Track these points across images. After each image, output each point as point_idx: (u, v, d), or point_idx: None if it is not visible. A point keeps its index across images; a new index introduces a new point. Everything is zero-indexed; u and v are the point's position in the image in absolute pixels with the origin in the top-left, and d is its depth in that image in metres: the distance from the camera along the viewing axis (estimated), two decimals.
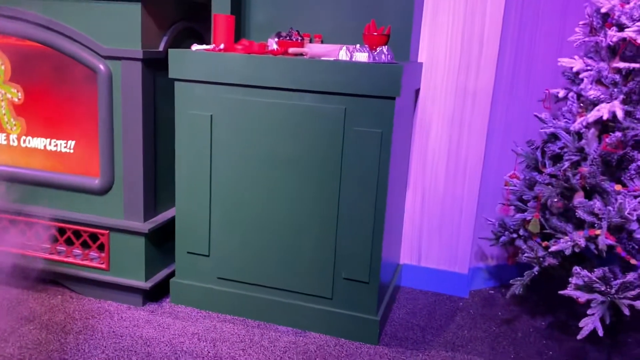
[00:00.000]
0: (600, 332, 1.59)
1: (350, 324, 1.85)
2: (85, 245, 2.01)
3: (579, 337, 1.62)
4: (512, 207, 1.92)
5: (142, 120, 1.86)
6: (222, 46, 1.88)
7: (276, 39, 1.94)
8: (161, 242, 2.04)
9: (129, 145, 1.89)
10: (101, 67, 1.84)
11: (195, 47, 1.89)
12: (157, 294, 2.05)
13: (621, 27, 1.64)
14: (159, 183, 2.02)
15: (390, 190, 1.78)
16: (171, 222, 2.04)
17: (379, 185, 1.73)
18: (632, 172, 1.61)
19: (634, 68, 1.57)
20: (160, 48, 1.91)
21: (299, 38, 1.95)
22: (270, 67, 1.75)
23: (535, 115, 1.85)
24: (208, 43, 2.18)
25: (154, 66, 1.89)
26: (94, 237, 1.99)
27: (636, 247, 1.60)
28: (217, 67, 1.80)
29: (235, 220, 1.90)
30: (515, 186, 1.91)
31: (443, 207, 2.20)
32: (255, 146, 1.82)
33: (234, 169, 1.86)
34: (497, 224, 1.98)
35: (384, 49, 1.75)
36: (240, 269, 1.93)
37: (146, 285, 1.96)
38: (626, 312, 1.56)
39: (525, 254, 1.79)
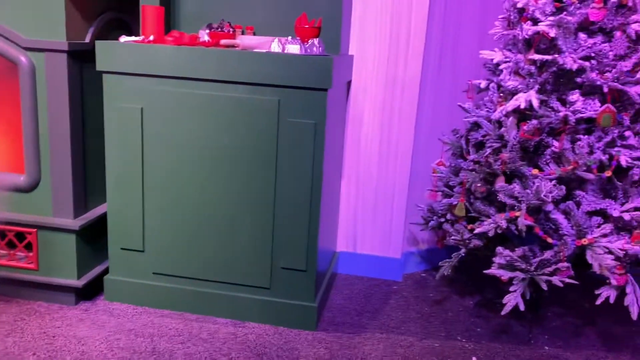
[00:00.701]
0: (522, 307, 1.70)
1: (288, 312, 1.88)
2: (11, 245, 1.93)
3: (503, 312, 1.73)
4: (440, 193, 2.01)
5: (69, 114, 1.81)
6: (151, 38, 1.85)
7: (207, 31, 1.93)
8: (93, 238, 1.99)
9: (56, 140, 1.83)
10: (22, 59, 1.77)
11: (123, 38, 1.85)
12: (90, 292, 2.00)
13: (535, 21, 1.75)
14: (89, 178, 1.96)
15: (325, 179, 1.82)
16: (103, 218, 1.99)
17: (314, 175, 1.77)
18: (548, 157, 1.73)
19: (547, 60, 1.68)
20: (87, 39, 1.85)
21: (231, 30, 1.95)
22: (201, 58, 1.74)
23: (459, 105, 1.94)
24: (137, 35, 2.13)
25: (81, 58, 1.83)
26: (21, 236, 1.91)
27: (552, 226, 1.72)
28: (147, 59, 1.77)
29: (169, 214, 1.88)
30: (442, 173, 2.00)
31: (376, 195, 2.27)
32: (188, 139, 1.81)
33: (167, 162, 1.84)
34: (426, 210, 2.07)
35: (315, 41, 1.78)
36: (177, 263, 1.92)
37: (78, 283, 1.90)
38: (544, 287, 1.68)
39: (453, 237, 1.89)
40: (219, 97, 1.77)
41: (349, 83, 2.19)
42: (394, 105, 2.17)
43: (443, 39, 2.21)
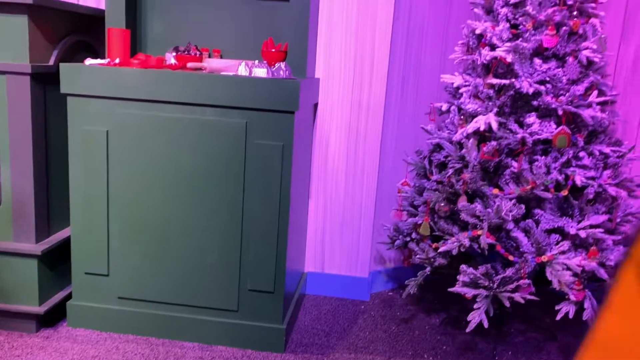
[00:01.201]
0: (486, 324, 1.74)
1: (256, 334, 1.87)
2: None
3: (467, 330, 1.77)
4: (405, 212, 2.06)
5: (32, 137, 1.78)
6: (117, 60, 1.85)
7: (174, 54, 1.94)
8: (56, 263, 1.95)
9: (18, 163, 1.79)
10: None
11: (89, 61, 1.85)
12: (53, 318, 1.95)
13: (493, 47, 1.83)
14: (52, 202, 1.93)
15: (292, 200, 1.84)
16: (67, 242, 1.95)
17: (282, 197, 1.79)
18: (507, 177, 1.79)
19: (504, 84, 1.75)
20: (51, 62, 1.84)
21: (198, 52, 1.96)
22: (167, 81, 1.75)
23: (422, 127, 2.00)
24: (103, 57, 2.12)
25: (44, 81, 1.82)
26: None
27: (513, 244, 1.78)
28: (113, 82, 1.76)
29: (135, 237, 1.86)
30: (407, 193, 2.04)
31: (344, 215, 2.30)
32: (154, 162, 1.81)
33: (133, 185, 1.83)
34: (392, 229, 2.10)
35: (282, 65, 1.82)
36: (143, 287, 1.90)
37: (40, 310, 1.86)
38: (507, 304, 1.73)
39: (418, 256, 1.93)
40: (185, 119, 1.77)
41: (316, 105, 2.23)
42: (360, 127, 2.22)
43: (406, 63, 2.28)
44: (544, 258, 1.69)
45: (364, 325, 2.12)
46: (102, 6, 2.21)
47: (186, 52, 1.95)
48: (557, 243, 1.73)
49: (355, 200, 2.28)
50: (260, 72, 1.77)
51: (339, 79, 2.19)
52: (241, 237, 1.82)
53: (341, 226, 2.31)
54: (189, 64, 1.89)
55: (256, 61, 1.80)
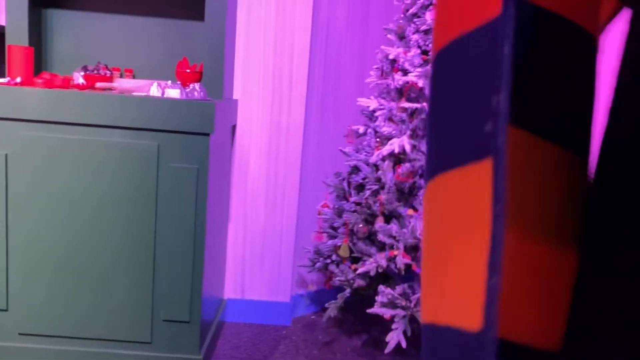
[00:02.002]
0: (404, 344, 1.76)
1: None
2: None
3: (386, 351, 1.77)
4: (325, 234, 2.05)
5: None
6: (18, 79, 1.74)
7: (82, 73, 1.86)
8: None
9: None
10: None
11: None
12: None
13: (405, 72, 1.88)
14: None
15: (209, 225, 1.78)
16: None
17: (197, 221, 1.73)
18: (421, 197, 1.84)
19: (417, 108, 1.80)
20: None
21: (108, 72, 1.89)
22: (74, 102, 1.66)
23: (340, 150, 2.02)
24: (3, 76, 1.99)
25: None
26: None
27: None
28: (13, 102, 1.65)
29: (38, 269, 1.73)
30: (327, 214, 2.04)
31: (264, 239, 2.26)
32: (59, 188, 1.70)
33: (35, 212, 1.71)
34: (313, 251, 2.09)
35: (196, 86, 1.78)
36: (47, 322, 1.76)
37: None
38: None
39: (338, 278, 1.92)
40: (93, 142, 1.69)
41: (234, 127, 2.19)
42: (280, 148, 2.21)
43: (325, 85, 2.31)
44: None
45: (285, 351, 2.07)
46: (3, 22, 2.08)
47: (95, 72, 1.86)
48: None
49: (276, 223, 2.25)
50: (174, 92, 1.72)
51: (257, 101, 2.18)
52: (154, 265, 1.74)
53: (262, 250, 2.27)
54: (98, 84, 1.81)
55: (169, 81, 1.75)
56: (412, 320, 1.78)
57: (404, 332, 1.76)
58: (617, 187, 0.38)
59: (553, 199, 0.37)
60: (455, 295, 0.33)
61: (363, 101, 1.96)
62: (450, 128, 0.34)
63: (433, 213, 0.35)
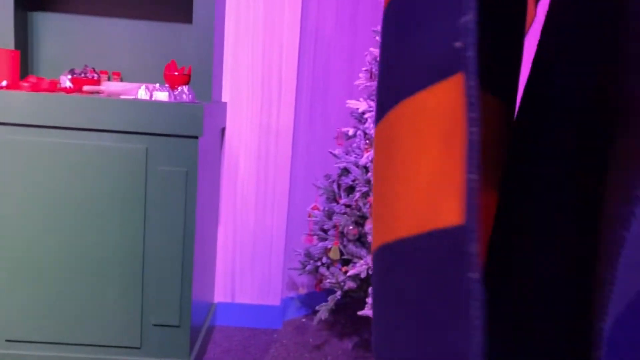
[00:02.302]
0: None
1: None
2: None
3: None
4: (315, 237, 2.05)
5: None
6: (4, 83, 1.72)
7: (69, 76, 1.84)
8: None
9: None
10: None
11: None
12: None
13: None
14: None
15: (198, 229, 1.77)
16: None
17: (186, 225, 1.72)
18: None
19: None
20: None
21: (95, 75, 1.87)
22: (61, 105, 1.64)
23: (330, 152, 2.01)
24: None
25: None
26: None
27: None
28: None
29: (25, 274, 1.71)
30: (317, 217, 2.04)
31: (254, 242, 2.25)
32: (46, 191, 1.68)
33: (21, 217, 1.69)
34: (304, 254, 2.09)
35: (185, 88, 1.77)
36: (33, 327, 1.74)
37: None
38: None
39: (328, 280, 1.92)
40: (81, 145, 1.67)
41: (223, 130, 2.18)
42: (269, 151, 2.20)
43: (314, 88, 2.30)
44: None
45: (276, 354, 2.06)
46: None
47: (83, 75, 1.85)
48: None
49: (266, 226, 2.24)
50: (162, 95, 1.71)
51: (246, 103, 2.17)
52: (143, 269, 1.73)
53: (252, 253, 2.26)
54: (85, 87, 1.79)
55: (158, 84, 1.74)
56: None
57: None
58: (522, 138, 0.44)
59: (487, 141, 0.42)
60: (428, 203, 0.35)
61: (352, 103, 1.96)
62: (410, 58, 0.38)
63: (393, 139, 0.39)
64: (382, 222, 0.40)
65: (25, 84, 1.74)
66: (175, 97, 1.73)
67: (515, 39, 0.47)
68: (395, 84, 0.40)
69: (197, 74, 1.95)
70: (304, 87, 2.25)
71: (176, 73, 1.80)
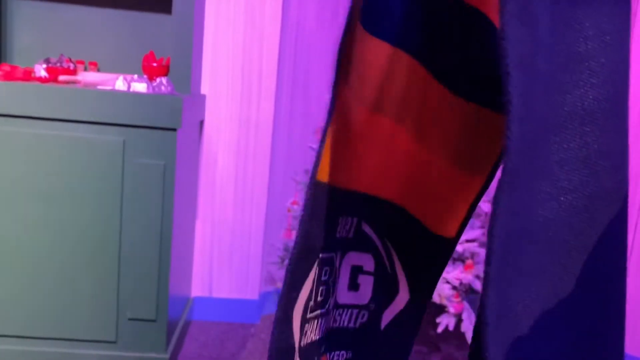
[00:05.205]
0: None
1: None
2: None
3: None
4: (294, 231, 2.04)
5: None
6: None
7: (44, 65, 1.80)
8: None
9: None
10: None
11: None
12: None
13: None
14: None
15: (176, 222, 1.75)
16: None
17: (164, 218, 1.70)
18: None
19: None
20: None
21: (72, 65, 1.83)
22: (35, 95, 1.60)
23: (310, 147, 2.01)
24: None
25: None
26: None
27: None
28: None
29: None
30: (296, 212, 2.03)
31: (233, 236, 2.24)
32: (20, 183, 1.64)
33: None
34: (282, 249, 2.08)
35: (164, 80, 1.74)
36: (8, 322, 1.70)
37: None
38: None
39: None
40: (56, 137, 1.63)
41: (202, 123, 2.16)
42: (248, 145, 2.18)
43: (294, 81, 2.29)
44: None
45: (253, 350, 2.06)
46: None
47: (58, 64, 1.81)
48: None
49: (245, 220, 2.23)
50: (140, 87, 1.69)
51: (226, 96, 2.15)
52: (119, 263, 1.70)
53: (230, 247, 2.24)
54: (61, 77, 1.75)
55: (135, 75, 1.71)
56: None
57: None
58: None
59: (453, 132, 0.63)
60: (323, 161, 0.57)
61: None
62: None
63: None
64: (319, 164, 0.57)
65: None
66: (153, 89, 1.71)
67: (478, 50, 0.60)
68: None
69: (176, 65, 1.92)
70: (284, 81, 2.23)
71: (155, 64, 1.77)
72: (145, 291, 1.72)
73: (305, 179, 2.07)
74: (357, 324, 0.66)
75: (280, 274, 2.40)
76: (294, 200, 2.09)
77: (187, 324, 2.14)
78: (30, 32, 1.94)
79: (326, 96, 1.99)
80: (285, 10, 2.18)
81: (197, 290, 2.27)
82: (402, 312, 0.69)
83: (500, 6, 0.37)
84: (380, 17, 0.56)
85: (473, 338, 0.52)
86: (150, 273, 1.71)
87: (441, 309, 1.79)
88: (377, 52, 0.58)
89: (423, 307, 0.71)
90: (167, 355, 1.76)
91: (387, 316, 0.68)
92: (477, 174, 0.63)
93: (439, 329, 1.77)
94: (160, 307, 1.74)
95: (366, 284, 0.67)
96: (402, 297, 0.68)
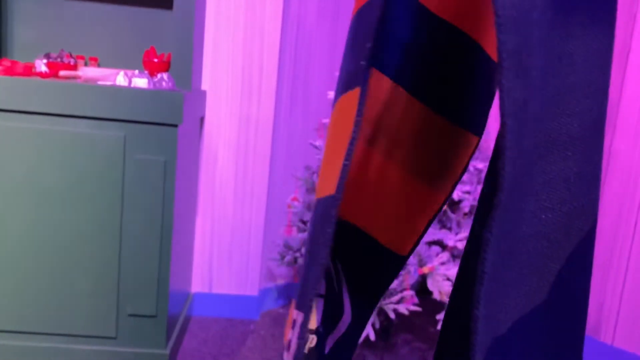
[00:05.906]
0: (373, 337, 1.77)
1: None
2: None
3: None
4: (295, 228, 2.04)
5: None
6: None
7: (45, 61, 1.79)
8: None
9: None
10: None
11: None
12: None
13: None
14: None
15: (176, 218, 1.75)
16: None
17: (164, 214, 1.70)
18: None
19: None
20: None
21: (72, 60, 1.83)
22: (36, 90, 1.60)
23: (311, 143, 2.01)
24: None
25: None
26: None
27: None
28: None
29: None
30: (296, 208, 2.03)
31: (233, 232, 2.24)
32: (21, 179, 1.64)
33: None
34: (283, 245, 2.08)
35: (164, 75, 1.74)
36: (8, 317, 1.70)
37: None
38: (392, 315, 1.76)
39: None
40: (57, 132, 1.63)
41: (202, 119, 2.16)
42: (249, 142, 2.18)
43: (295, 78, 2.29)
44: (426, 269, 1.75)
45: (253, 346, 2.06)
46: None
47: (59, 60, 1.80)
48: (437, 255, 1.80)
49: (245, 216, 2.23)
50: (141, 82, 1.68)
51: (226, 92, 2.15)
52: (119, 259, 1.70)
53: (230, 244, 2.25)
54: (62, 72, 1.75)
55: (136, 71, 1.71)
56: (380, 312, 1.79)
57: (372, 325, 1.77)
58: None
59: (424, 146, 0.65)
60: (329, 176, 0.51)
61: (334, 94, 1.96)
62: (346, 65, 0.52)
63: (333, 122, 0.55)
64: (320, 181, 0.55)
65: None
66: (154, 84, 1.71)
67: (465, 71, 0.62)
68: (341, 80, 0.54)
69: (177, 61, 1.92)
70: (285, 78, 2.23)
71: (156, 60, 1.77)
72: (145, 287, 1.72)
73: (305, 175, 2.08)
74: (307, 350, 0.65)
75: (280, 270, 2.40)
76: (294, 197, 2.09)
77: (187, 320, 2.14)
78: (30, 27, 1.94)
79: (326, 94, 1.99)
80: (286, 7, 2.18)
81: (197, 286, 2.27)
82: (344, 334, 0.69)
83: (499, 64, 0.39)
84: (380, 49, 0.61)
85: (439, 343, 0.57)
86: (150, 269, 1.71)
87: (441, 306, 1.80)
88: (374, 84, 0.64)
89: (362, 327, 0.71)
90: (167, 351, 1.77)
91: (331, 340, 0.68)
92: (441, 191, 0.67)
93: (439, 326, 1.77)
94: (160, 302, 1.74)
95: (318, 307, 0.66)
96: (345, 320, 0.69)
